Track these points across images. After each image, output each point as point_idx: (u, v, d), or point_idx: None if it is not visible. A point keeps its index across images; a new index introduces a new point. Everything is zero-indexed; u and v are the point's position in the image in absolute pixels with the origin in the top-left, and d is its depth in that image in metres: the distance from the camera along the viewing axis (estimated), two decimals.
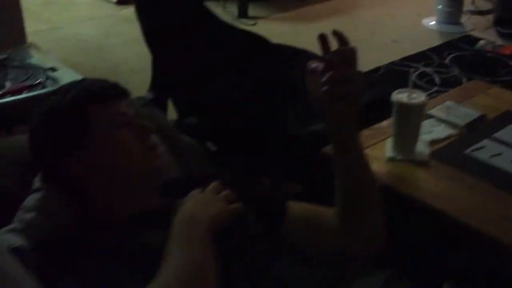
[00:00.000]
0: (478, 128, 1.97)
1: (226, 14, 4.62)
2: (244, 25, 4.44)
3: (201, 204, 1.26)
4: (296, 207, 1.47)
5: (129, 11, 4.45)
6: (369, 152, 1.76)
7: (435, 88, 3.78)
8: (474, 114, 2.03)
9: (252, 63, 2.70)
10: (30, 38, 3.15)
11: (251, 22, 4.66)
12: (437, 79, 3.94)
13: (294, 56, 2.78)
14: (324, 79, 1.25)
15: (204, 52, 2.64)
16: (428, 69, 4.06)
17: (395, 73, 4.01)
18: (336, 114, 1.31)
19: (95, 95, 1.36)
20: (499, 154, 1.84)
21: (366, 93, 1.34)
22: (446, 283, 1.65)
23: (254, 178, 1.68)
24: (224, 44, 2.71)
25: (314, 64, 1.30)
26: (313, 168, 1.84)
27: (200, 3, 2.77)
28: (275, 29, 4.49)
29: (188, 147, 1.71)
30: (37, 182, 1.48)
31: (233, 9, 4.80)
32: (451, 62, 4.18)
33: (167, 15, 2.65)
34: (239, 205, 1.30)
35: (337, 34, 1.27)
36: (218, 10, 3.09)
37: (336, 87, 1.25)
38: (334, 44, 1.29)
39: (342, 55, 1.27)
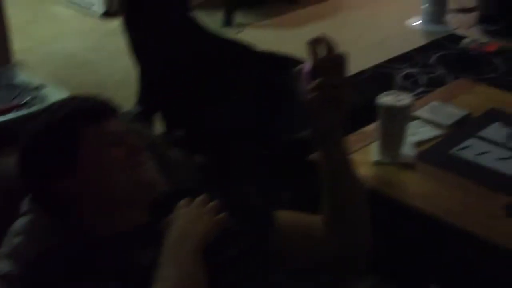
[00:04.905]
0: (464, 127, 1.99)
1: (212, 22, 4.61)
2: (230, 33, 4.44)
3: (190, 220, 1.27)
4: (284, 216, 1.47)
5: (114, 24, 4.44)
6: (355, 156, 1.76)
7: (421, 89, 3.78)
8: (459, 113, 2.04)
9: (240, 72, 2.70)
10: (17, 55, 3.14)
11: (238, 29, 4.66)
12: (422, 80, 3.94)
13: (281, 62, 2.79)
14: (312, 85, 1.27)
15: (190, 63, 2.64)
16: (413, 70, 4.06)
17: (380, 76, 4.00)
18: (323, 120, 1.31)
19: (86, 115, 1.34)
20: (485, 153, 1.85)
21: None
22: (432, 285, 1.66)
23: (242, 188, 1.68)
24: (211, 54, 2.72)
25: (300, 66, 1.31)
26: (301, 175, 1.85)
27: (186, 14, 2.77)
28: (261, 36, 4.48)
29: (176, 160, 1.72)
30: (25, 205, 1.47)
31: (219, 17, 4.79)
32: (436, 62, 4.17)
33: (153, 27, 2.65)
34: (224, 215, 1.30)
35: (324, 41, 1.27)
36: (204, 19, 3.09)
37: (325, 93, 1.26)
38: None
39: (331, 61, 1.28)
